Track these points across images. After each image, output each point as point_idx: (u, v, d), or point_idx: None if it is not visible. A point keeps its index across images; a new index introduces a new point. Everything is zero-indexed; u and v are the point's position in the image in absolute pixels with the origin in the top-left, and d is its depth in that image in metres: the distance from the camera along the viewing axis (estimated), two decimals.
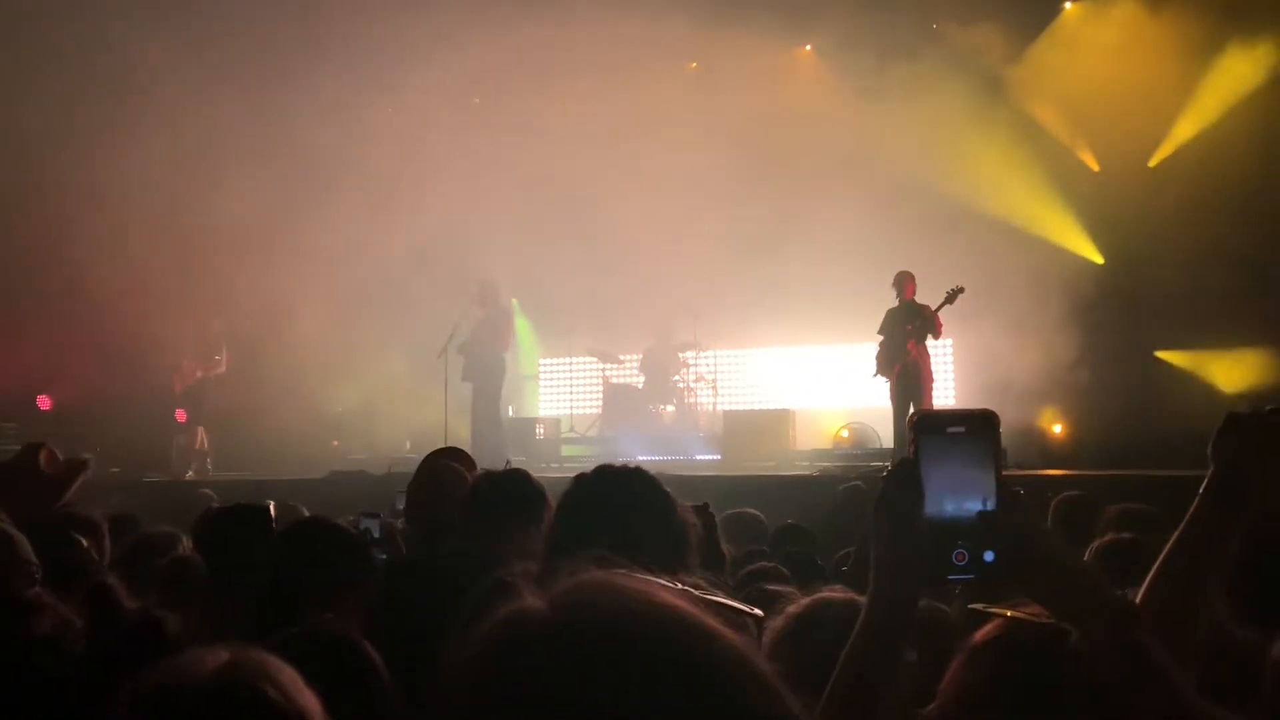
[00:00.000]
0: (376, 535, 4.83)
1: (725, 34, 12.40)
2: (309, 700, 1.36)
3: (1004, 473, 1.31)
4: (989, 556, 1.28)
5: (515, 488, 3.24)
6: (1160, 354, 11.66)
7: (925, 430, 1.32)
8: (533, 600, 0.85)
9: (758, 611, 1.76)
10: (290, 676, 1.37)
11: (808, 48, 13.77)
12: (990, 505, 1.29)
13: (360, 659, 1.96)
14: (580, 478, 2.60)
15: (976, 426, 1.32)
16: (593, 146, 12.36)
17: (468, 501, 3.22)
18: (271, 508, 3.29)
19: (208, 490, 7.56)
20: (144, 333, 12.46)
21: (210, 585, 3.01)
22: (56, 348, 12.91)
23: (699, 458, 12.25)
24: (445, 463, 3.69)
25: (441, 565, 3.02)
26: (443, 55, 12.19)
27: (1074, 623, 1.30)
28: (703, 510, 4.31)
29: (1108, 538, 3.55)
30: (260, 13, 12.38)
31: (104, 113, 12.40)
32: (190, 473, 12.26)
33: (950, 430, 1.32)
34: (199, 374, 12.57)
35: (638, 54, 12.36)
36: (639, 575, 0.90)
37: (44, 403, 14.07)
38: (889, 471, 1.35)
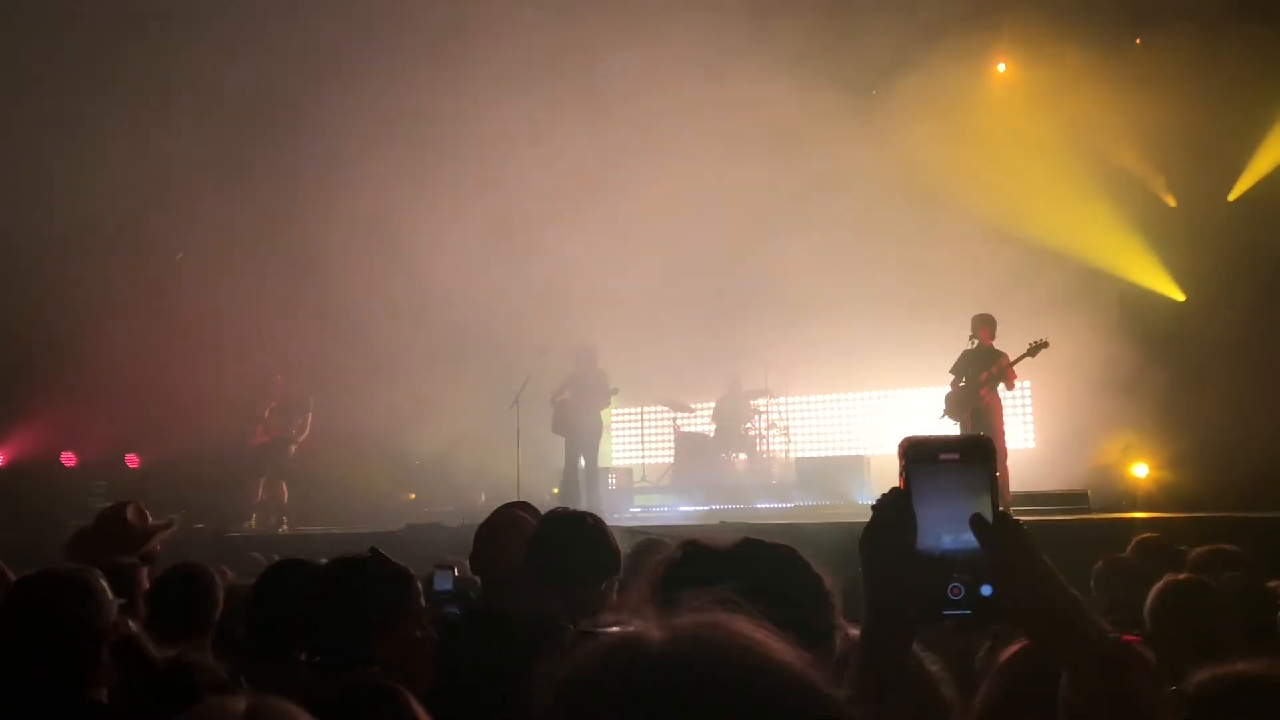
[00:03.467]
0: (448, 587, 4.87)
1: (788, 83, 12.46)
2: None
3: (1000, 505, 1.25)
4: (986, 590, 1.21)
5: (582, 544, 3.22)
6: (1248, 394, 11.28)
7: (916, 458, 1.25)
8: (651, 628, 0.85)
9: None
10: None
11: (873, 93, 13.72)
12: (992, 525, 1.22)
13: (402, 712, 1.95)
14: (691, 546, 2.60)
15: (970, 453, 1.25)
16: (660, 201, 12.43)
17: (531, 555, 3.21)
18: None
19: (256, 554, 7.67)
20: (225, 392, 12.78)
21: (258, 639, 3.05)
22: (143, 407, 13.29)
23: (771, 505, 12.13)
24: (513, 513, 3.69)
25: (505, 624, 3.02)
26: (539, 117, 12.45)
27: (1064, 662, 1.23)
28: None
29: (1168, 579, 3.45)
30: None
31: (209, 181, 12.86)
32: (284, 526, 12.44)
33: (943, 457, 1.25)
34: (277, 432, 12.82)
35: (707, 108, 12.45)
36: (759, 623, 0.89)
37: (132, 461, 14.46)
38: (878, 501, 1.27)
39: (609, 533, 3.32)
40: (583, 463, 11.76)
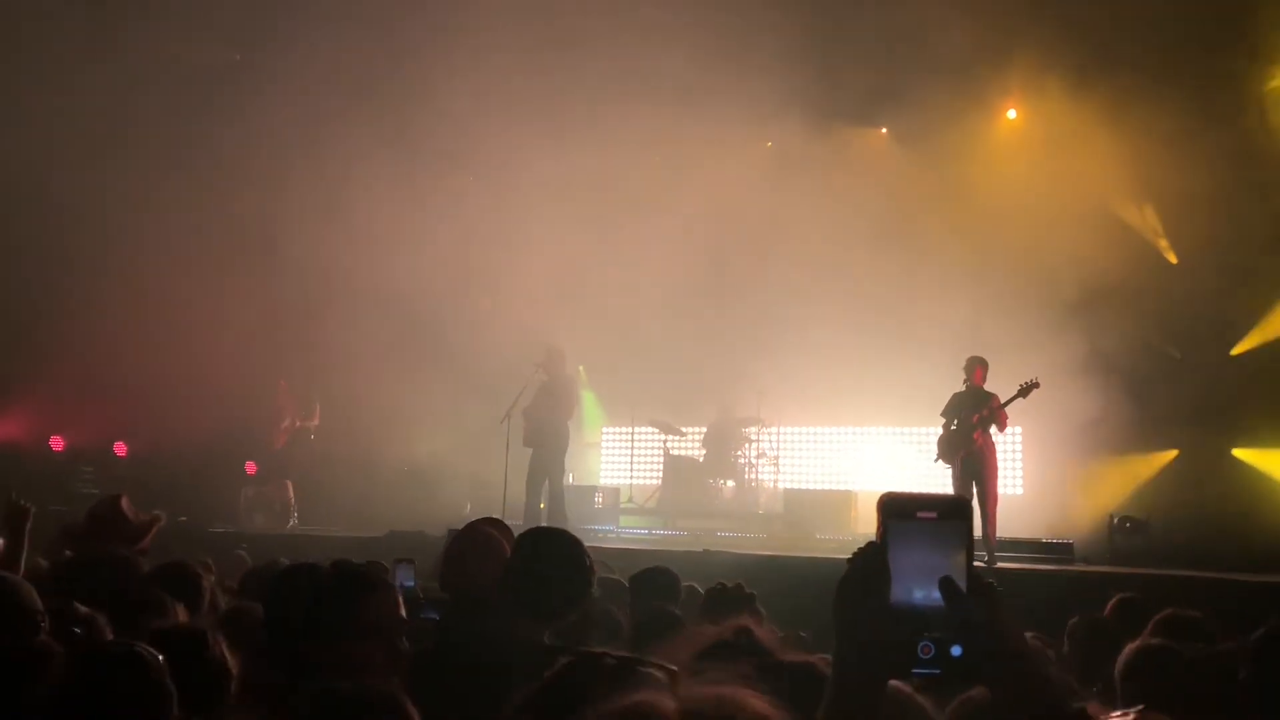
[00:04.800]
0: (410, 583, 4.87)
1: (798, 115, 12.53)
2: None
3: (979, 570, 1.25)
4: (956, 651, 1.22)
5: (559, 567, 3.22)
6: (1237, 452, 11.34)
7: (894, 515, 1.26)
8: (665, 698, 0.84)
9: (673, 667, 1.75)
10: None
11: (883, 130, 13.85)
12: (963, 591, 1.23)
13: (401, 716, 1.97)
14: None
15: (948, 513, 1.26)
16: (663, 224, 12.46)
17: (508, 572, 3.21)
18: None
19: (242, 552, 7.66)
20: (218, 385, 12.78)
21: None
22: (135, 397, 13.28)
23: (756, 535, 12.12)
24: (483, 531, 3.69)
25: (481, 649, 3.02)
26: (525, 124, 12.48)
27: None
28: (739, 590, 4.28)
29: (1138, 643, 3.47)
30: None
31: (193, 178, 12.87)
32: (293, 522, 12.66)
33: (920, 515, 1.26)
34: (298, 424, 12.97)
35: (712, 134, 12.53)
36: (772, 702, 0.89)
37: (120, 449, 14.44)
38: (855, 555, 1.28)
39: (584, 553, 3.31)
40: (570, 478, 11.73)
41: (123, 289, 12.76)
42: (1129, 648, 3.44)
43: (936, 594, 1.24)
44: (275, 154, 12.62)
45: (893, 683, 1.29)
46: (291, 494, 12.91)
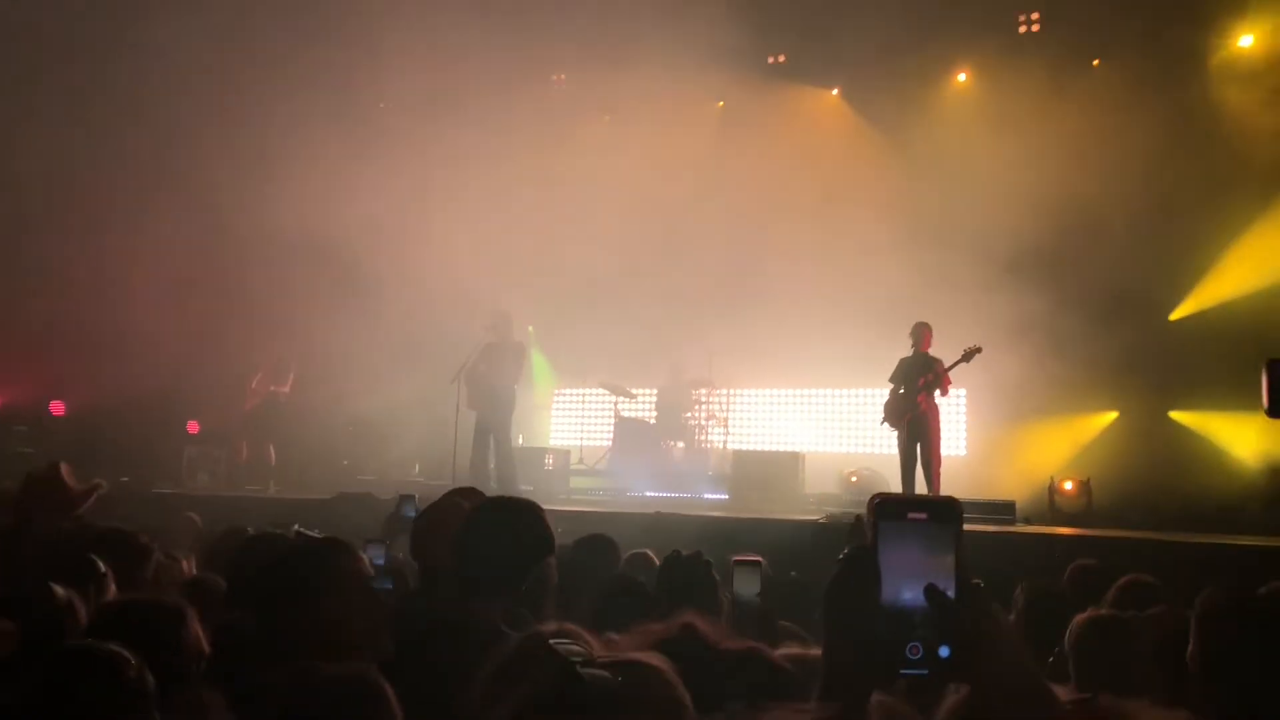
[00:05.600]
0: (380, 563, 4.83)
1: (750, 75, 12.46)
2: None
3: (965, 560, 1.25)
4: (944, 652, 1.23)
5: (521, 531, 3.18)
6: (1174, 415, 11.60)
7: (885, 515, 1.27)
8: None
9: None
10: None
11: (835, 92, 13.84)
12: (949, 597, 1.24)
13: (380, 701, 1.95)
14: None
15: (939, 514, 1.27)
16: (615, 185, 12.39)
17: (464, 541, 3.16)
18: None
19: (193, 515, 7.53)
20: (159, 341, 12.54)
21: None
22: (71, 354, 13.00)
23: (707, 496, 12.20)
24: (454, 502, 3.64)
25: (451, 618, 2.99)
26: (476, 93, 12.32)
27: None
28: (696, 559, 4.28)
29: (1090, 613, 3.52)
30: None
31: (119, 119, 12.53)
32: (272, 488, 12.45)
33: (911, 516, 1.26)
34: (271, 388, 12.77)
35: (663, 93, 12.44)
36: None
37: (57, 408, 14.15)
38: (845, 555, 1.28)
39: (543, 522, 3.27)
40: (519, 440, 11.66)
41: (51, 240, 12.44)
42: (1077, 620, 3.48)
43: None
44: (209, 98, 12.31)
45: (879, 696, 1.29)
46: (273, 458, 12.77)
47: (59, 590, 2.68)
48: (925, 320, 10.59)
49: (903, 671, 1.24)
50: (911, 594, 1.24)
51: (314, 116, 12.47)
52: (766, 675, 2.06)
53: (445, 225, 12.69)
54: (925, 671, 1.23)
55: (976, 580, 1.27)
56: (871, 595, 1.24)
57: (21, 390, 13.85)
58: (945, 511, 1.28)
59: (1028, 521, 10.35)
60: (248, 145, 12.55)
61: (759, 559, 4.16)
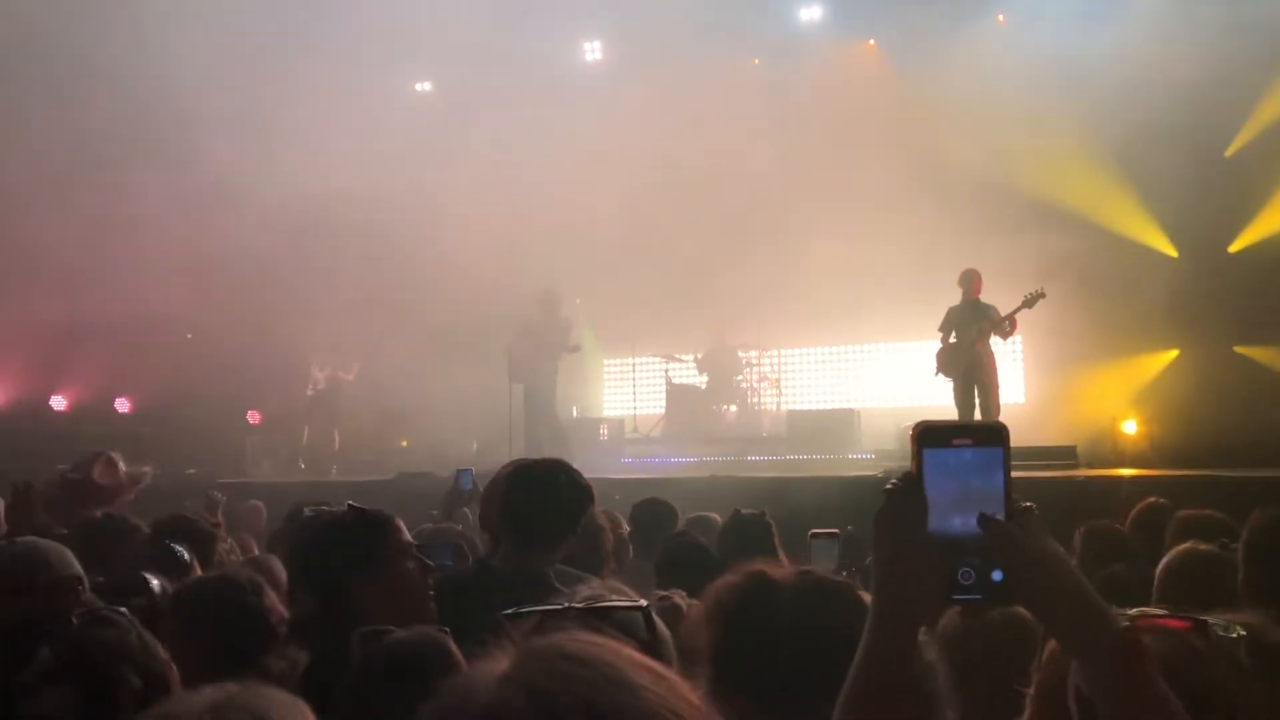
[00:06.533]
0: (469, 486, 5.03)
1: (789, 30, 12.31)
2: None
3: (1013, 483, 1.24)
4: (997, 575, 1.22)
5: (551, 492, 3.23)
6: (1239, 349, 11.35)
7: (929, 443, 1.26)
8: (486, 668, 0.89)
9: (642, 602, 1.79)
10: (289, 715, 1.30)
11: (871, 42, 13.63)
12: (1000, 521, 1.23)
13: (446, 656, 1.99)
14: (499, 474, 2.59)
15: (984, 439, 1.26)
16: (653, 150, 12.33)
17: (506, 502, 3.23)
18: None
19: (258, 502, 7.69)
20: (213, 334, 12.77)
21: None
22: (133, 352, 13.26)
23: (761, 458, 12.18)
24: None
25: (480, 580, 3.05)
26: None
27: (1077, 650, 1.23)
28: (758, 520, 4.30)
29: (1181, 549, 3.43)
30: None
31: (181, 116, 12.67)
32: (335, 472, 12.77)
33: (956, 442, 1.25)
34: (338, 375, 13.03)
35: (698, 50, 12.33)
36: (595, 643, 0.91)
37: (123, 405, 14.47)
38: (890, 485, 1.28)
39: (577, 477, 3.31)
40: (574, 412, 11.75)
41: (124, 240, 12.62)
42: (1173, 554, 3.40)
43: (974, 521, 1.23)
44: (236, 82, 12.40)
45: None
46: (337, 442, 13.04)
47: (151, 578, 2.78)
48: (974, 267, 10.44)
49: (955, 598, 1.24)
50: (961, 521, 1.23)
51: (344, 93, 12.55)
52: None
53: (484, 202, 12.76)
54: (979, 596, 1.23)
55: (1027, 504, 1.26)
56: (919, 525, 1.23)
57: (87, 389, 14.17)
58: (991, 435, 1.26)
59: (1090, 466, 10.21)
60: (276, 126, 12.63)
61: (836, 530, 4.17)
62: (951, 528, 1.23)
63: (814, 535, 3.93)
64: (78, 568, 2.79)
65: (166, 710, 1.28)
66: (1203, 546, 3.52)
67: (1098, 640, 1.20)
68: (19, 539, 2.99)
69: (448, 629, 2.13)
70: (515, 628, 1.43)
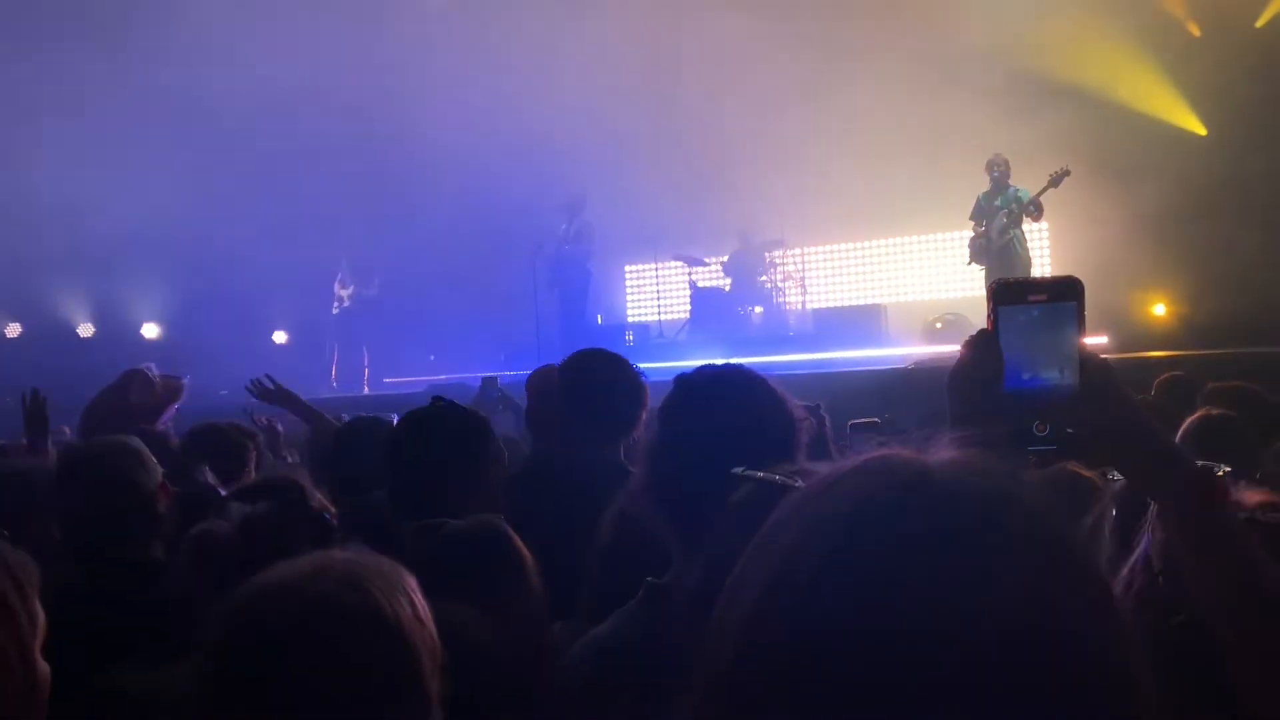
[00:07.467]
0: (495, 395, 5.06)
1: None
2: (402, 610, 1.35)
3: (1089, 345, 1.25)
4: (1071, 428, 1.23)
5: (614, 384, 3.23)
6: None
7: (1004, 299, 1.26)
8: (902, 453, 0.81)
9: (799, 483, 1.77)
10: (391, 584, 1.36)
11: None
12: (1072, 374, 1.23)
13: (509, 549, 2.00)
14: (681, 379, 2.57)
15: (1059, 293, 1.26)
16: (671, 42, 12.11)
17: (567, 395, 3.24)
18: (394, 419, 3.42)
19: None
20: (234, 253, 12.78)
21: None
22: (154, 277, 13.32)
23: (791, 357, 12.16)
24: (549, 371, 3.72)
25: (569, 467, 3.06)
26: None
27: (1157, 493, 1.25)
28: (814, 410, 4.29)
29: (1199, 414, 3.47)
30: None
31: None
32: (365, 388, 12.91)
33: (1031, 298, 1.26)
34: (360, 291, 13.10)
35: None
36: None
37: (150, 331, 14.56)
38: (967, 341, 1.29)
39: (631, 367, 3.33)
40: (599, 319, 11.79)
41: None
42: (1190, 420, 3.44)
43: (1049, 375, 1.24)
44: None
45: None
46: (366, 358, 13.14)
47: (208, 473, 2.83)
48: (1001, 152, 10.28)
49: (1031, 448, 1.24)
50: (1037, 376, 1.24)
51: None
52: None
53: (500, 104, 12.61)
54: (1054, 447, 1.24)
55: (1104, 357, 1.26)
56: (995, 380, 1.24)
57: (115, 317, 14.27)
58: (1066, 290, 1.26)
59: (1120, 349, 10.14)
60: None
61: (876, 420, 4.14)
62: (1028, 383, 1.24)
63: (853, 426, 3.92)
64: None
65: (273, 575, 1.32)
66: (1215, 411, 3.56)
67: (1177, 478, 1.22)
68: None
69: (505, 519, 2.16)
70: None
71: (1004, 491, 0.77)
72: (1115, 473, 1.68)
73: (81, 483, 2.67)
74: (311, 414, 4.84)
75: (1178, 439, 3.45)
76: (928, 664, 0.68)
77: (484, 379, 5.89)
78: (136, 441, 2.84)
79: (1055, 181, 9.81)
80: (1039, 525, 0.76)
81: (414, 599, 1.38)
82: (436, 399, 2.80)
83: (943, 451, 0.80)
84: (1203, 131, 11.55)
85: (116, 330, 14.20)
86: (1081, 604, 0.74)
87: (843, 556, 0.72)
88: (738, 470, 1.44)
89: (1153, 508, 1.29)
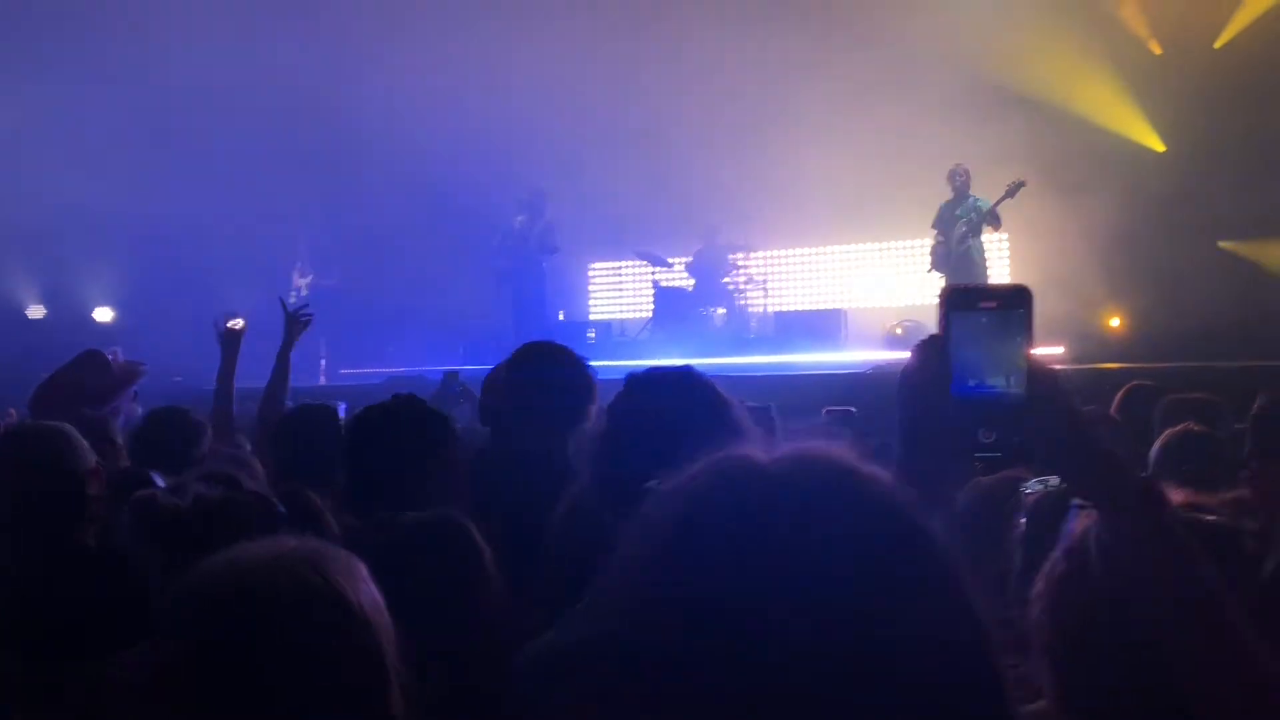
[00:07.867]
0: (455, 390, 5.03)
1: None
2: (364, 595, 1.37)
3: (1038, 355, 1.27)
4: (1017, 435, 1.25)
5: (559, 377, 3.22)
6: (1223, 244, 11.35)
7: (956, 305, 1.27)
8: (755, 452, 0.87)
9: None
10: (348, 570, 1.37)
11: None
12: (1020, 383, 1.24)
13: (467, 542, 1.99)
14: (632, 378, 2.56)
15: (1009, 301, 1.27)
16: (636, 42, 12.10)
17: (509, 382, 3.23)
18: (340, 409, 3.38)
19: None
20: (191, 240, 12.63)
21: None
22: (119, 257, 13.13)
23: (751, 359, 12.18)
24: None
25: (523, 458, 3.05)
26: None
27: (1100, 503, 1.27)
28: (764, 412, 4.31)
29: (1180, 428, 3.47)
30: None
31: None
32: (321, 379, 12.74)
33: (982, 305, 1.27)
34: (319, 281, 12.95)
35: None
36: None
37: (103, 315, 14.34)
38: (917, 345, 1.31)
39: (580, 360, 3.32)
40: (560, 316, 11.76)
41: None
42: (1168, 434, 3.44)
43: (997, 383, 1.25)
44: None
45: None
46: (323, 348, 12.99)
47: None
48: (963, 163, 10.38)
49: (977, 455, 1.26)
50: (985, 382, 1.25)
51: None
52: None
53: (463, 97, 12.54)
54: (999, 454, 1.26)
55: (1051, 366, 1.28)
56: (943, 385, 1.25)
57: (67, 300, 14.03)
58: (1015, 298, 1.28)
59: (1077, 360, 10.26)
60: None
61: (851, 409, 4.15)
62: (974, 389, 1.25)
63: (828, 412, 3.93)
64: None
65: (233, 555, 1.31)
66: (1196, 427, 3.57)
67: (1123, 492, 1.23)
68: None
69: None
70: None
71: (833, 482, 0.83)
72: (1033, 482, 1.73)
73: (7, 465, 2.64)
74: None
75: (1155, 453, 3.46)
76: (754, 643, 0.76)
77: (445, 373, 5.87)
78: (67, 426, 2.80)
79: (1011, 192, 9.94)
80: (870, 512, 0.82)
81: (370, 586, 1.40)
82: (397, 395, 2.78)
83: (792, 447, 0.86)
84: (1161, 148, 11.72)
85: (67, 313, 13.96)
86: (912, 585, 0.80)
87: (674, 549, 0.82)
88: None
89: (1078, 515, 1.31)
